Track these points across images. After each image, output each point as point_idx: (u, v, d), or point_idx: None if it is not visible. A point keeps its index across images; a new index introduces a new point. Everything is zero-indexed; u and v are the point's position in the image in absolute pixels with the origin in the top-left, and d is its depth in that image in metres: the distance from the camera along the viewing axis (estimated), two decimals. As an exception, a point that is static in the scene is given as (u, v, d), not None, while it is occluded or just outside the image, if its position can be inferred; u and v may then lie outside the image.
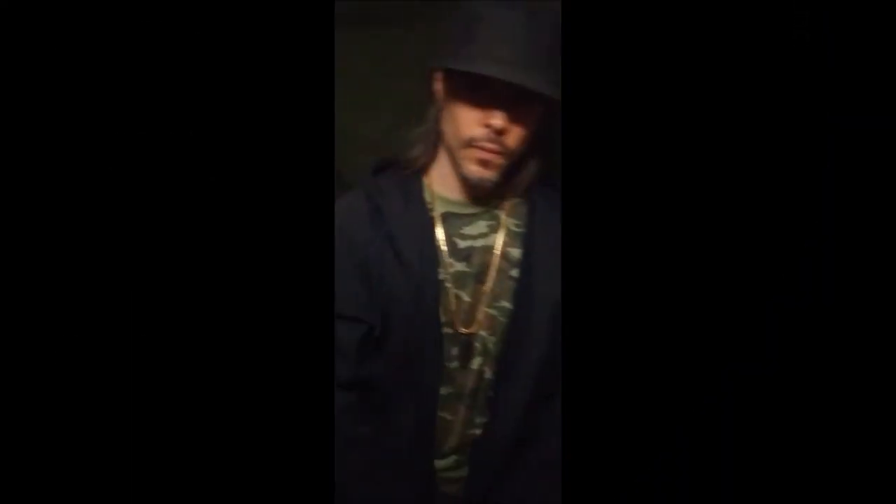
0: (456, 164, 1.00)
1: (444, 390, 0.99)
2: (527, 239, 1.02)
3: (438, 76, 0.99)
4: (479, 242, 1.01)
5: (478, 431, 1.01)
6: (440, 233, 1.01)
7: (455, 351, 0.99)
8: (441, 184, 1.03)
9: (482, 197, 1.02)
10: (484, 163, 0.96)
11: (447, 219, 1.02)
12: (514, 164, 1.00)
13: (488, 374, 1.00)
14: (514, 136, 0.95)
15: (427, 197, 1.03)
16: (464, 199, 1.03)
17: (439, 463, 1.01)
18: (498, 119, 0.93)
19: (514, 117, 0.94)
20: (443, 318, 0.99)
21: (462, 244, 1.01)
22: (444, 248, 1.00)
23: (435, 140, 1.02)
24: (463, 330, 0.99)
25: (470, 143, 0.96)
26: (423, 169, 1.04)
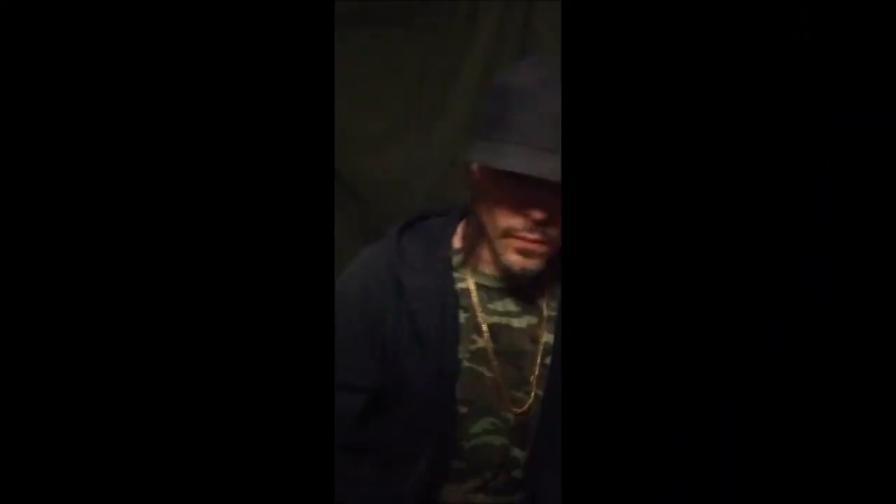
0: (494, 253, 0.93)
1: (458, 464, 0.95)
2: (558, 317, 0.94)
3: (474, 166, 0.92)
4: (506, 321, 0.95)
5: None
6: (467, 308, 0.95)
7: (474, 428, 0.94)
8: (477, 259, 0.96)
9: (522, 286, 0.96)
10: (525, 253, 0.90)
11: (474, 292, 0.96)
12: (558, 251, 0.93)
13: (517, 454, 0.95)
14: (557, 226, 0.87)
15: (457, 270, 0.96)
16: (499, 276, 0.96)
17: None
18: (537, 212, 0.86)
19: (555, 206, 0.85)
20: (461, 400, 0.94)
21: (488, 320, 0.95)
22: (468, 323, 0.94)
23: (473, 231, 0.95)
24: (484, 406, 0.94)
25: (508, 233, 0.89)
26: (460, 257, 0.97)
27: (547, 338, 0.95)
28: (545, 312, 0.96)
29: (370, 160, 1.52)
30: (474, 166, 0.92)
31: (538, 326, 0.95)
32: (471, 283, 0.96)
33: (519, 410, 0.94)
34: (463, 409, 0.94)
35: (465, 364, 0.93)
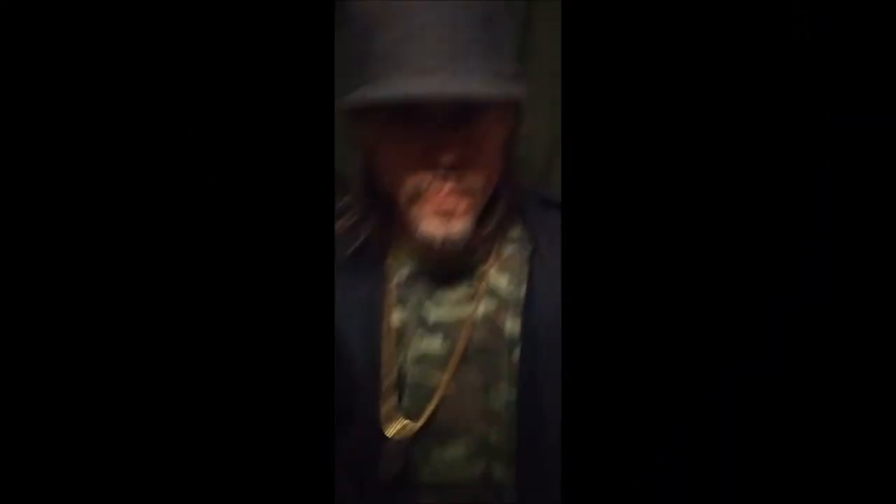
0: (410, 225, 0.72)
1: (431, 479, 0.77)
2: (527, 305, 0.75)
3: (355, 113, 0.72)
4: (457, 312, 0.75)
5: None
6: (402, 308, 0.76)
7: (437, 452, 0.75)
8: (406, 245, 0.77)
9: (457, 257, 0.74)
10: (443, 214, 0.70)
11: (409, 287, 0.77)
12: (487, 203, 0.73)
13: (499, 474, 0.76)
14: (475, 169, 0.69)
15: (389, 261, 0.78)
16: (433, 260, 0.76)
17: None
18: (445, 155, 0.67)
19: (465, 144, 0.68)
20: (410, 418, 0.75)
21: (431, 317, 0.76)
22: (400, 325, 0.75)
23: (365, 205, 0.75)
24: (449, 429, 0.74)
25: (417, 196, 0.70)
26: (378, 240, 0.78)
27: (510, 325, 0.75)
28: (506, 297, 0.75)
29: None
30: (354, 124, 0.72)
31: (497, 312, 0.75)
32: (407, 272, 0.77)
33: (486, 425, 0.75)
34: (416, 425, 0.76)
35: (413, 373, 0.75)
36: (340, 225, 0.78)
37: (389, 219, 0.76)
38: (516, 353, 0.74)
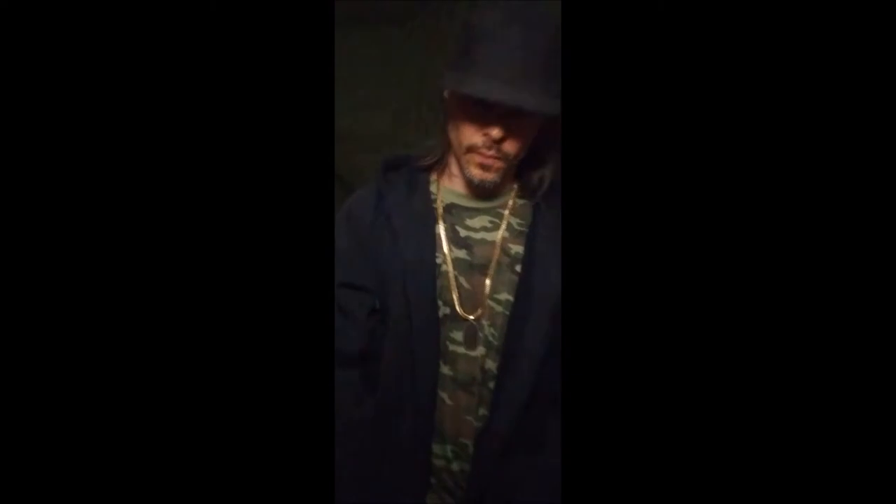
0: (461, 167, 1.08)
1: (445, 370, 1.05)
2: (529, 238, 1.09)
3: (446, 93, 1.09)
4: (480, 235, 1.09)
5: (478, 424, 1.04)
6: (442, 221, 1.09)
7: (458, 336, 1.05)
8: (449, 180, 1.12)
9: (486, 197, 1.11)
10: (484, 167, 1.05)
11: (450, 209, 1.10)
12: (519, 167, 1.09)
13: (490, 365, 1.04)
14: (512, 144, 1.03)
15: (433, 189, 1.12)
16: (469, 195, 1.11)
17: (436, 448, 1.06)
18: (495, 130, 1.01)
19: (510, 128, 1.02)
20: (443, 301, 1.05)
21: (463, 233, 1.09)
22: (443, 235, 1.08)
23: (444, 146, 1.11)
24: (464, 314, 1.05)
25: (471, 149, 1.05)
26: (432, 168, 1.13)
27: (516, 249, 1.08)
28: (516, 228, 1.10)
29: (370, 160, 1.52)
30: (446, 93, 1.08)
31: (508, 240, 1.09)
32: (448, 202, 1.11)
33: (490, 323, 1.06)
34: (445, 311, 1.06)
35: (444, 268, 1.07)
36: (422, 156, 1.13)
37: (447, 162, 1.13)
38: (517, 267, 1.07)
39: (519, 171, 1.10)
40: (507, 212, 1.10)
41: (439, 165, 1.13)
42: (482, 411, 1.04)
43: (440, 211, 1.10)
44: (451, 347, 1.05)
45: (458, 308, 1.05)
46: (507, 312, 1.05)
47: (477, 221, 1.10)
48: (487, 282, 1.06)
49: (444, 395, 1.04)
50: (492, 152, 1.03)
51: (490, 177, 1.05)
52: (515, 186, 1.12)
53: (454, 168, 1.11)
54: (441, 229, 1.09)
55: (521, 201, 1.11)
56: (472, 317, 1.05)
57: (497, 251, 1.08)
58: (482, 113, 1.02)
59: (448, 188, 1.12)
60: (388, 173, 1.13)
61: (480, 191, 1.09)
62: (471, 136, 1.04)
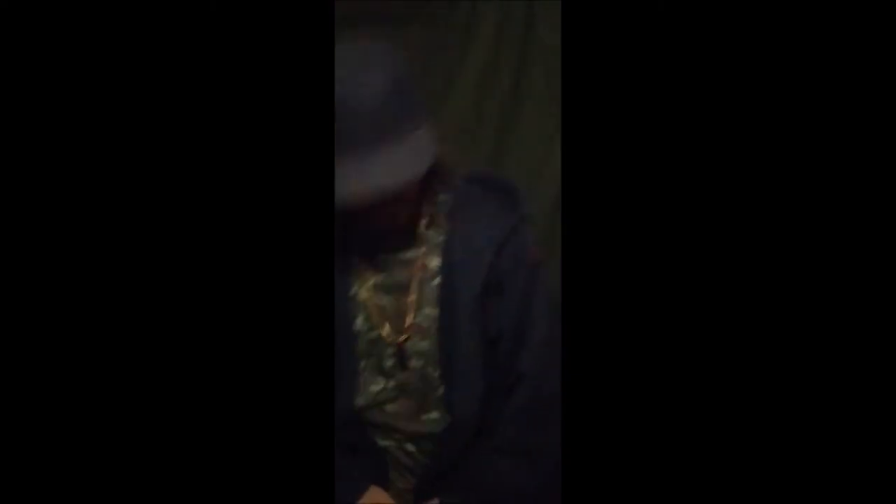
0: None
1: (387, 384, 1.06)
2: (446, 246, 1.06)
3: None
4: (399, 255, 1.07)
5: (432, 426, 1.06)
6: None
7: (389, 351, 1.06)
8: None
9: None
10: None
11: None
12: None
13: (433, 372, 1.05)
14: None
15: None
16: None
17: (386, 441, 1.07)
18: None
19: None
20: (364, 327, 1.05)
21: (382, 256, 1.06)
22: (361, 270, 1.06)
23: None
24: (392, 338, 1.05)
25: None
26: None
27: (434, 262, 1.06)
28: (434, 242, 1.06)
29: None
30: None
31: (426, 255, 1.06)
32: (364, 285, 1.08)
33: (421, 337, 1.05)
34: (371, 335, 1.06)
35: (362, 296, 1.06)
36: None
37: None
38: (434, 282, 1.06)
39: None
40: (422, 227, 1.07)
41: None
42: (434, 415, 1.05)
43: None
44: (388, 364, 1.06)
45: (386, 334, 1.05)
46: (433, 324, 1.05)
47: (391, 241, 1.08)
48: (411, 300, 1.05)
49: (390, 407, 1.06)
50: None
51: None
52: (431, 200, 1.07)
53: None
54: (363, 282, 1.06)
55: (437, 212, 1.08)
56: (400, 339, 1.05)
57: (416, 269, 1.06)
58: None
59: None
60: None
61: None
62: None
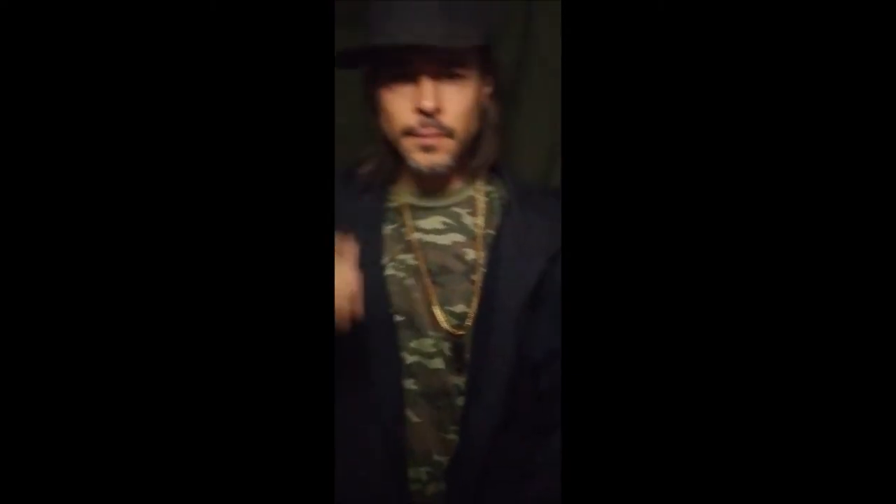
0: (404, 158, 0.94)
1: (409, 384, 0.95)
2: (493, 243, 0.96)
3: (367, 74, 0.95)
4: (430, 238, 0.97)
5: (451, 438, 0.95)
6: (390, 223, 0.97)
7: (414, 344, 0.95)
8: (405, 180, 0.99)
9: (440, 188, 0.97)
10: (427, 148, 0.91)
11: (402, 210, 0.98)
12: (467, 146, 0.95)
13: (455, 381, 0.95)
14: (452, 114, 0.90)
15: (388, 192, 0.99)
16: (423, 192, 0.98)
17: (411, 472, 0.95)
18: (427, 100, 0.88)
19: (444, 94, 0.89)
20: (394, 308, 0.94)
21: (414, 235, 0.96)
22: (390, 237, 0.96)
23: (381, 143, 0.96)
24: (418, 322, 0.94)
25: (408, 133, 0.91)
26: (380, 172, 0.99)
27: (473, 255, 0.95)
28: (475, 231, 0.97)
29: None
30: (366, 79, 0.94)
31: (464, 244, 0.96)
32: (401, 202, 0.98)
33: (455, 332, 0.94)
34: (399, 318, 0.94)
35: (389, 272, 0.95)
36: (363, 168, 0.99)
37: (395, 161, 0.97)
38: (473, 276, 0.94)
39: (460, 151, 0.94)
40: (465, 211, 0.97)
41: (386, 168, 0.98)
42: (453, 428, 0.94)
43: (391, 213, 0.97)
44: (410, 359, 0.94)
45: (413, 318, 0.94)
46: (458, 322, 0.94)
47: (429, 222, 0.97)
48: (437, 290, 0.94)
49: (410, 413, 0.94)
50: (431, 129, 0.89)
51: (438, 159, 0.91)
52: (478, 183, 0.98)
53: (405, 170, 0.97)
54: (387, 230, 0.96)
55: (485, 199, 0.98)
56: (427, 325, 0.94)
57: (449, 257, 0.95)
58: (407, 83, 0.89)
59: (404, 188, 0.99)
60: (346, 182, 1.00)
61: (434, 183, 0.96)
62: (402, 116, 0.90)
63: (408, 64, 0.88)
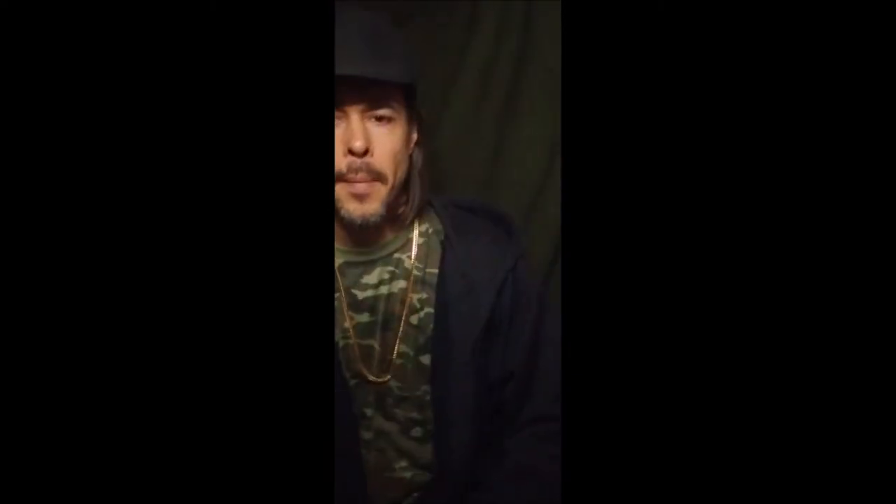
0: (338, 214, 0.91)
1: (367, 436, 0.98)
2: (438, 282, 0.96)
3: None
4: (382, 290, 0.97)
5: (423, 478, 0.99)
6: (337, 287, 0.96)
7: (371, 398, 0.97)
8: (338, 236, 0.97)
9: (375, 239, 0.97)
10: (359, 197, 0.89)
11: (344, 271, 0.97)
12: (397, 192, 0.94)
13: (414, 417, 0.98)
14: (381, 156, 0.89)
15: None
16: (357, 246, 0.97)
17: None
18: (357, 140, 0.86)
19: (374, 135, 0.88)
20: (349, 372, 0.96)
21: (362, 295, 0.96)
22: (343, 301, 0.96)
23: None
24: (373, 378, 0.97)
25: (339, 180, 0.89)
26: None
27: (416, 298, 0.96)
28: (413, 273, 0.97)
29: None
30: None
31: (410, 290, 0.96)
32: (338, 263, 0.96)
33: (379, 379, 0.97)
34: (353, 381, 0.96)
35: (348, 340, 0.96)
36: None
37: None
38: (413, 318, 0.96)
39: (392, 198, 0.93)
40: (404, 256, 0.97)
41: None
42: (417, 471, 0.98)
43: (340, 278, 0.95)
44: (367, 412, 0.97)
45: (368, 376, 0.96)
46: (412, 367, 0.96)
47: (374, 276, 0.97)
48: (392, 339, 0.96)
49: (368, 456, 0.98)
50: (361, 174, 0.88)
51: (370, 209, 0.89)
52: (414, 225, 0.98)
53: (338, 225, 0.95)
54: (338, 296, 0.95)
55: (420, 239, 0.98)
56: (382, 379, 0.96)
57: (398, 305, 0.96)
58: (340, 125, 0.88)
59: (339, 248, 0.96)
60: None
61: (367, 234, 0.95)
62: (336, 160, 0.88)
63: (338, 103, 0.87)
